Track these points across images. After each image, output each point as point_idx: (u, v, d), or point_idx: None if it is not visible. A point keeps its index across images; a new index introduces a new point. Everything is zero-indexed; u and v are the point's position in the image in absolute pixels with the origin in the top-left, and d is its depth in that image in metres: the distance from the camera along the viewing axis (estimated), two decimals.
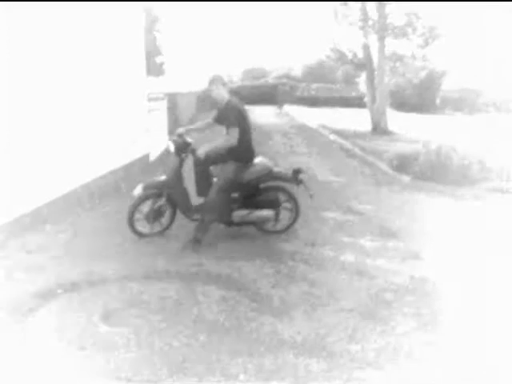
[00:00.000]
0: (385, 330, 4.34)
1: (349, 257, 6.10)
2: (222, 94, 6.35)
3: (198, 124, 6.92)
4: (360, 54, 20.96)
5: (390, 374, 3.71)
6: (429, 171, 10.19)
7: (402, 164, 11.08)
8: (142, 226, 6.45)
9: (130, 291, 4.99)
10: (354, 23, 19.55)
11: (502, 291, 5.21)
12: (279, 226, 6.81)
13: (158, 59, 40.26)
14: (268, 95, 38.31)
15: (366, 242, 6.63)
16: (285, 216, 6.80)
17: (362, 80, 29.44)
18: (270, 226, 6.77)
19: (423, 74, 30.58)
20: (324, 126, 20.83)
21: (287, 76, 44.13)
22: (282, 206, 6.74)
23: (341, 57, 22.06)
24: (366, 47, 20.01)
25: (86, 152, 8.44)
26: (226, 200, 6.35)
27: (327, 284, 5.28)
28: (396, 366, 3.80)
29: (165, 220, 6.60)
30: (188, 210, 6.48)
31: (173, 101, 17.69)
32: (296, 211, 6.83)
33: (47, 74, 7.41)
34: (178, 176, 6.42)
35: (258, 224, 6.73)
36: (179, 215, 6.59)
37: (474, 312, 4.71)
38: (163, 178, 6.43)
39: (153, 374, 3.63)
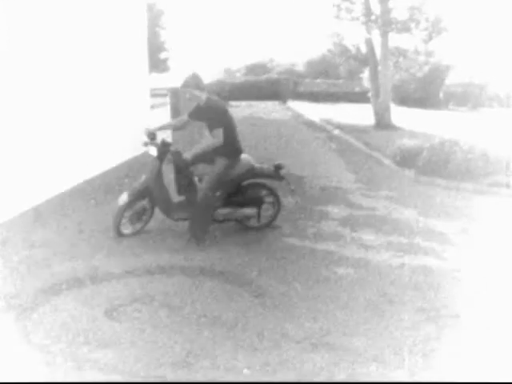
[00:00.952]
0: (389, 324, 4.35)
1: (352, 251, 6.10)
2: (197, 95, 6.30)
3: (173, 121, 6.79)
4: (363, 49, 20.89)
5: (394, 369, 3.71)
6: (432, 166, 10.16)
7: (406, 159, 11.06)
8: (126, 228, 6.45)
9: (133, 286, 5.00)
10: (357, 18, 19.47)
11: (508, 287, 5.21)
12: (262, 222, 6.83)
13: (162, 55, 40.21)
14: (271, 90, 38.14)
15: (370, 236, 6.63)
16: (267, 211, 6.83)
17: (365, 75, 29.36)
18: (252, 222, 6.80)
19: (427, 68, 30.45)
20: (328, 121, 20.76)
21: (290, 71, 44.00)
22: (265, 202, 6.77)
23: (344, 52, 21.98)
24: (369, 42, 19.92)
25: (90, 148, 8.46)
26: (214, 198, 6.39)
27: (331, 279, 5.29)
28: (400, 360, 3.81)
29: (146, 217, 6.59)
30: (169, 210, 6.46)
31: (176, 95, 17.66)
32: (278, 206, 6.87)
33: (51, 71, 7.44)
34: (159, 178, 6.37)
35: (241, 221, 6.76)
36: None
37: (478, 305, 4.71)
38: (144, 180, 6.37)
39: (157, 369, 3.64)
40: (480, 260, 5.87)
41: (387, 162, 11.87)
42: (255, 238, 6.54)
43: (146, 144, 6.46)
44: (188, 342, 4.01)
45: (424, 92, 30.26)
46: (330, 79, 40.91)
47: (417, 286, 5.13)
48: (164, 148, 6.29)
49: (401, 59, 21.72)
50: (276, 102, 35.15)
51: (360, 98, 30.95)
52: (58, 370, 3.62)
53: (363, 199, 8.60)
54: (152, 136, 6.41)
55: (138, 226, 6.55)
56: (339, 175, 10.68)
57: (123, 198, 6.24)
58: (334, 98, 35.75)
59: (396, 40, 20.17)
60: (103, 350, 3.86)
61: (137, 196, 6.34)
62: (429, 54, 29.41)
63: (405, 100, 29.75)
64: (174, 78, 28.93)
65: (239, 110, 27.52)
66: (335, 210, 7.85)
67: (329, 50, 23.15)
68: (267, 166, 6.76)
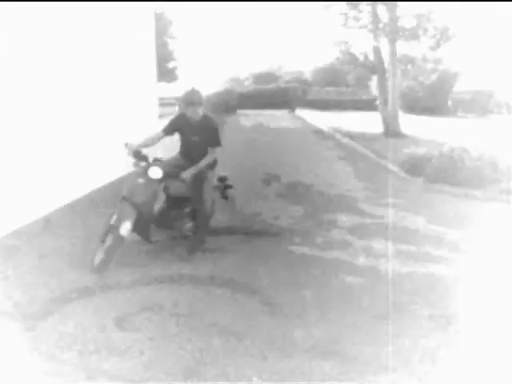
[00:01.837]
0: (399, 332, 4.33)
1: (362, 259, 6.09)
2: (198, 113, 6.20)
3: (149, 138, 6.46)
4: (371, 57, 20.92)
5: (405, 377, 3.70)
6: (441, 173, 10.13)
7: (415, 166, 11.04)
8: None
9: (143, 296, 5.01)
10: (365, 26, 19.50)
11: None
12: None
13: (171, 64, 40.35)
14: (280, 99, 38.24)
15: (379, 245, 6.61)
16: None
17: (373, 83, 29.37)
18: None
19: (435, 76, 30.44)
20: (336, 129, 20.78)
21: (298, 80, 44.12)
22: None
23: (352, 60, 22.02)
24: (376, 50, 19.94)
25: (99, 157, 8.49)
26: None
27: (340, 287, 5.28)
28: (410, 369, 3.79)
29: None
30: (148, 233, 6.06)
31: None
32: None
33: (61, 81, 7.48)
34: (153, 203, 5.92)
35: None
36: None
37: (489, 313, 4.69)
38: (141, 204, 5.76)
39: (167, 378, 3.64)
40: (490, 268, 5.84)
41: (396, 169, 11.86)
42: (263, 246, 6.54)
43: (136, 165, 5.91)
44: (197, 350, 4.01)
45: (432, 99, 30.25)
46: (338, 87, 40.98)
47: (426, 294, 5.11)
48: (173, 171, 5.98)
49: (409, 67, 21.73)
50: (285, 111, 35.18)
51: (368, 105, 30.98)
52: (67, 380, 3.63)
53: (372, 207, 8.59)
54: (139, 155, 5.92)
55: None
56: (348, 183, 10.68)
57: (126, 226, 5.58)
58: (342, 105, 35.81)
59: (404, 47, 20.19)
60: (113, 359, 3.86)
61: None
62: (437, 61, 29.44)
63: (413, 107, 29.73)
64: (182, 88, 29.04)
65: (248, 119, 27.60)
66: (344, 218, 7.84)
67: (337, 58, 23.17)
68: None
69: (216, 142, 6.26)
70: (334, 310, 4.76)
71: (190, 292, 5.12)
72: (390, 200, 9.10)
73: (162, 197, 6.13)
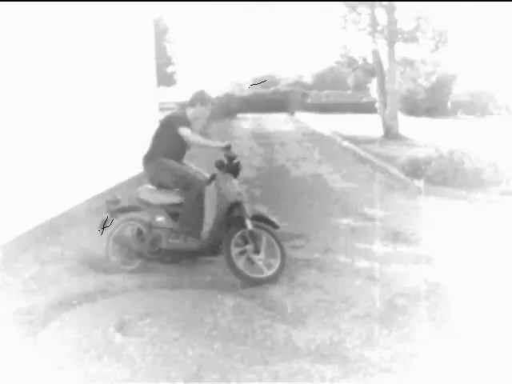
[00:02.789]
0: (399, 335, 4.33)
1: (362, 263, 6.09)
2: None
3: None
4: (370, 60, 20.96)
5: (406, 380, 3.70)
6: (441, 176, 10.14)
7: (415, 169, 11.04)
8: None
9: (144, 301, 5.02)
10: (364, 29, 19.55)
11: None
12: None
13: (169, 69, 40.46)
14: (279, 103, 38.34)
15: (379, 248, 6.62)
16: None
17: (372, 86, 29.41)
18: None
19: (434, 78, 30.47)
20: (336, 133, 20.80)
21: (298, 83, 44.21)
22: None
23: (351, 63, 22.07)
24: (375, 53, 19.99)
25: (98, 163, 8.50)
26: None
27: (341, 290, 5.29)
28: (411, 371, 3.79)
29: None
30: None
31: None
32: None
33: (58, 86, 7.49)
34: None
35: None
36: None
37: (489, 317, 4.68)
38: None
39: (168, 382, 3.65)
40: (491, 271, 5.84)
41: (396, 172, 11.85)
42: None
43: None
44: (199, 355, 4.02)
45: (432, 101, 30.27)
46: (338, 90, 41.03)
47: (427, 296, 5.11)
48: None
49: (408, 69, 21.76)
50: (284, 115, 35.22)
51: (368, 108, 30.99)
52: None
53: (372, 210, 8.59)
54: None
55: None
56: (348, 186, 10.68)
57: None
58: (341, 108, 35.84)
59: (403, 50, 20.24)
60: (115, 365, 3.87)
61: None
62: (436, 63, 29.48)
63: (413, 110, 29.76)
64: (181, 92, 29.09)
65: (247, 123, 27.63)
66: (344, 221, 7.85)
67: (336, 62, 23.22)
68: None
69: None
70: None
71: (192, 297, 5.13)
72: (391, 203, 9.11)
73: None
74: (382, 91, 20.14)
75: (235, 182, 5.70)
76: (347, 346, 4.16)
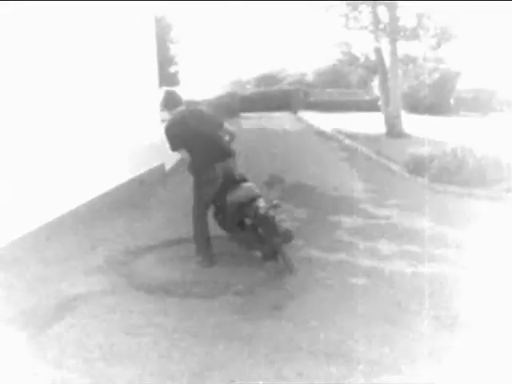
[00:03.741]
0: (404, 333, 4.32)
1: (366, 261, 6.08)
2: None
3: None
4: (372, 58, 20.91)
5: (410, 378, 3.68)
6: (445, 173, 10.11)
7: (418, 166, 11.01)
8: None
9: (148, 302, 5.01)
10: (366, 27, 19.49)
11: None
12: None
13: (172, 69, 40.39)
14: (282, 101, 38.22)
15: (384, 246, 6.60)
16: None
17: (375, 83, 29.34)
18: None
19: (436, 75, 30.36)
20: (339, 131, 20.75)
21: (300, 82, 44.08)
22: None
23: (353, 61, 22.01)
24: (377, 50, 19.92)
25: (100, 163, 8.48)
26: None
27: (345, 289, 5.27)
28: (416, 370, 3.78)
29: None
30: None
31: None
32: None
33: (59, 86, 7.48)
34: None
35: None
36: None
37: (495, 314, 4.67)
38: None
39: (173, 383, 3.64)
40: (495, 267, 5.82)
41: (399, 169, 11.83)
42: None
43: None
44: (203, 355, 4.01)
45: (434, 99, 30.12)
46: (340, 88, 40.94)
47: (431, 294, 5.09)
48: None
49: (410, 66, 21.69)
50: (287, 113, 35.17)
51: (371, 106, 30.88)
52: None
53: (376, 208, 8.57)
54: None
55: None
56: (351, 185, 10.66)
57: None
58: (344, 106, 35.73)
59: (405, 47, 20.18)
60: (119, 365, 3.87)
61: None
62: (438, 60, 29.38)
63: (415, 107, 29.62)
64: (184, 92, 29.05)
65: (250, 122, 27.59)
66: (348, 220, 7.83)
67: (338, 60, 23.17)
68: None
69: None
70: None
71: (196, 297, 5.12)
72: (394, 201, 9.08)
73: None
74: (385, 89, 20.09)
75: None
76: (351, 345, 4.15)
